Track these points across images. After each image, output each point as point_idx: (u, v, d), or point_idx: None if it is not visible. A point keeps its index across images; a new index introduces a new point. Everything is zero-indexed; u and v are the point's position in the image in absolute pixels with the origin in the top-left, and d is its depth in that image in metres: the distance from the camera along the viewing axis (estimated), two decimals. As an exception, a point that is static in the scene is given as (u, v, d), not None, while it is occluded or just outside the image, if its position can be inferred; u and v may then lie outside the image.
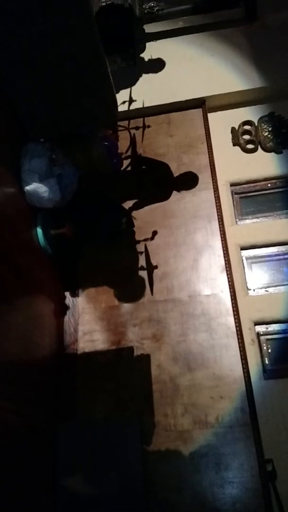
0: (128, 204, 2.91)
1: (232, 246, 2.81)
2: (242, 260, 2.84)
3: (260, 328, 2.63)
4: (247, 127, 3.20)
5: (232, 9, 3.31)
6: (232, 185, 3.09)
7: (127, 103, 3.18)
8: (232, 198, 3.06)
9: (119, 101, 2.94)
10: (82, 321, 2.70)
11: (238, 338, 2.48)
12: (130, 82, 3.26)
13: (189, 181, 2.88)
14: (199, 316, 2.58)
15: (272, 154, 3.09)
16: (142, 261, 2.76)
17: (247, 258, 2.85)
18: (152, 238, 2.83)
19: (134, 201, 2.94)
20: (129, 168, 3.04)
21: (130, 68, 3.25)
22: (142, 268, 2.75)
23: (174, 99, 3.20)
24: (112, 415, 2.40)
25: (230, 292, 2.60)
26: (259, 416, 2.29)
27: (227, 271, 2.67)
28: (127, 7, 2.73)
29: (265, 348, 2.57)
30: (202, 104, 3.21)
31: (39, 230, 2.36)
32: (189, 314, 2.59)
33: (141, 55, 3.32)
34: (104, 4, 2.79)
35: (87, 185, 2.58)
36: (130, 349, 2.56)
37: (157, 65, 3.29)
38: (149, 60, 3.31)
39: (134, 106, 3.20)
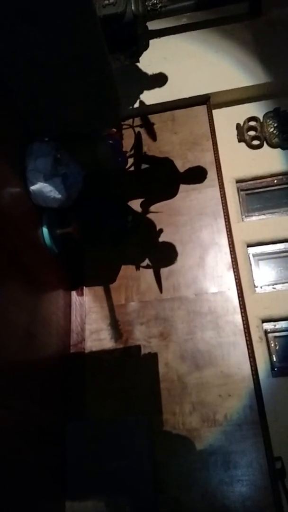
0: (133, 203, 2.91)
1: (239, 243, 2.80)
2: (249, 257, 2.82)
3: (268, 326, 2.62)
4: (252, 123, 3.17)
5: (236, 4, 3.27)
6: (238, 181, 3.07)
7: (131, 101, 3.17)
8: (238, 195, 3.04)
9: (122, 99, 2.93)
10: (89, 320, 2.71)
11: (245, 336, 2.46)
12: (134, 79, 3.25)
13: (197, 174, 2.87)
14: (206, 314, 2.57)
15: (278, 150, 3.07)
16: (148, 260, 2.76)
17: (253, 255, 2.83)
18: (157, 236, 2.82)
19: (139, 199, 2.94)
20: (133, 167, 3.04)
21: (133, 65, 3.23)
22: (148, 266, 2.74)
23: (178, 96, 3.18)
24: (120, 414, 2.40)
25: (237, 289, 2.59)
26: (267, 414, 2.27)
27: (233, 268, 2.65)
28: (131, 20, 2.67)
29: (273, 345, 2.56)
30: (206, 101, 3.19)
31: (45, 230, 2.36)
32: (196, 312, 2.59)
33: (144, 63, 3.30)
34: (107, 2, 2.76)
35: (92, 184, 2.57)
36: (138, 348, 2.56)
37: (160, 79, 3.27)
38: (152, 75, 3.29)
39: (138, 103, 3.19)
